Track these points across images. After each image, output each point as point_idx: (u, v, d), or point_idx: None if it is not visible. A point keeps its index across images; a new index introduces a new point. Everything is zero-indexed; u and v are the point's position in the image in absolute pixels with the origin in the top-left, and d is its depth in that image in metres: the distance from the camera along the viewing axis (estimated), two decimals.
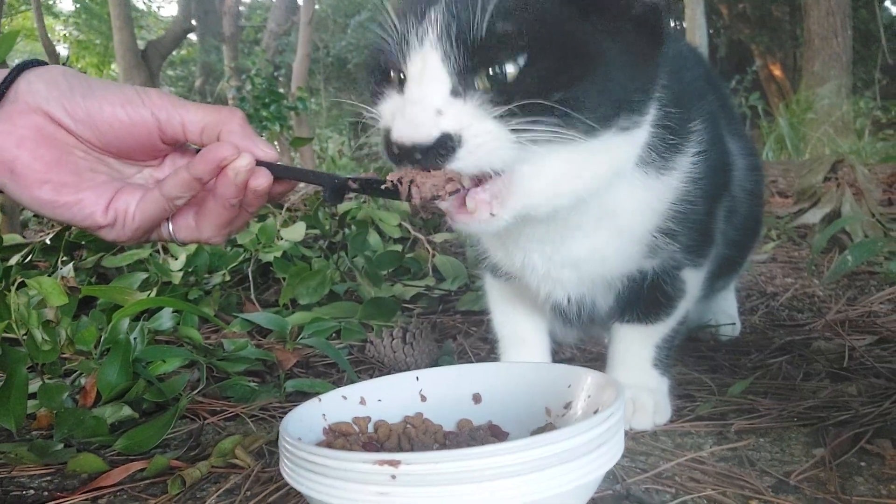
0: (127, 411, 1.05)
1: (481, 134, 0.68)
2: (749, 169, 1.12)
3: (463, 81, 0.69)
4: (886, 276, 1.62)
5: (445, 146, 0.67)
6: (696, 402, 1.05)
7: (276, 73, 8.62)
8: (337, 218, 2.24)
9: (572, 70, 0.69)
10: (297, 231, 1.97)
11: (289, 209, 2.26)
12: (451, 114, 0.67)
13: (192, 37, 11.49)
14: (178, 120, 0.76)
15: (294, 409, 0.73)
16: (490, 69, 0.68)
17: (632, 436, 0.94)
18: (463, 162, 0.68)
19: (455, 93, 0.68)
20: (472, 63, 0.68)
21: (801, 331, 1.39)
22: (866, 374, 1.14)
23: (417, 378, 0.83)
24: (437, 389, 0.82)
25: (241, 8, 12.59)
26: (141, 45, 7.88)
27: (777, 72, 10.84)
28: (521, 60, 0.68)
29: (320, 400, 0.77)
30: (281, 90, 7.35)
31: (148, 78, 7.20)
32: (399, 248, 2.04)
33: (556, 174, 0.73)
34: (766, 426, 0.96)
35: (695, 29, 7.08)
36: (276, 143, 2.73)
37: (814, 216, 1.99)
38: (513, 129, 0.68)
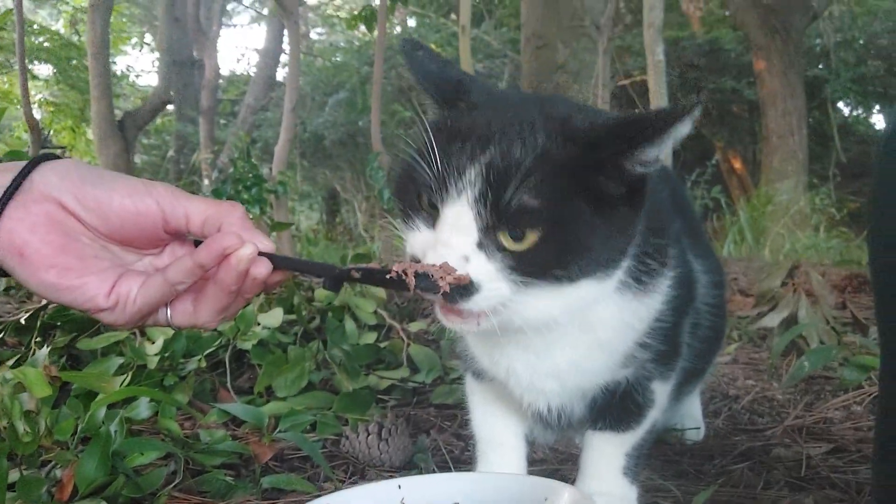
0: None
1: (495, 290, 0.80)
2: (711, 285, 1.20)
3: (487, 237, 0.80)
4: (841, 382, 1.69)
5: (467, 289, 0.78)
6: None
7: (249, 153, 8.75)
8: (313, 303, 2.27)
9: (574, 246, 0.81)
10: (275, 317, 2.00)
11: (265, 293, 2.29)
12: (475, 264, 0.79)
13: (169, 106, 11.62)
14: (181, 211, 0.81)
15: None
16: (511, 233, 0.79)
17: None
18: (475, 305, 0.79)
19: (480, 245, 0.79)
20: (498, 225, 0.79)
21: (761, 436, 1.44)
22: (822, 485, 1.20)
23: (399, 486, 0.86)
24: (418, 498, 0.85)
25: (220, 81, 12.81)
26: (118, 113, 7.96)
27: (738, 165, 11.28)
28: (538, 232, 0.79)
29: None
30: (255, 162, 7.44)
31: (123, 148, 7.23)
32: (374, 335, 2.08)
33: (539, 305, 0.83)
34: None
35: None
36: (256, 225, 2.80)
37: (772, 320, 2.09)
38: (518, 281, 0.80)
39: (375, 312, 2.22)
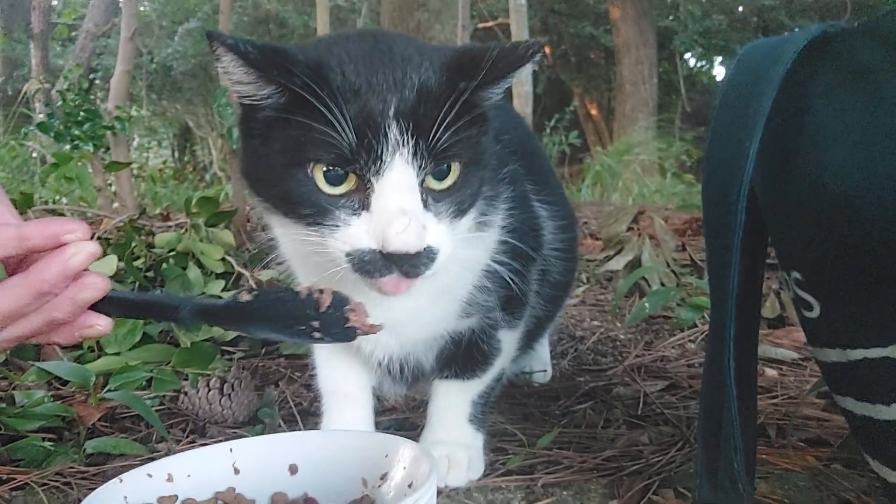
0: None
1: (449, 245, 0.78)
2: (560, 230, 1.20)
3: (423, 189, 0.76)
4: (677, 322, 1.79)
5: (430, 255, 0.75)
6: (508, 455, 1.10)
7: (92, 77, 8.03)
8: (154, 249, 2.12)
9: (481, 168, 0.83)
10: (109, 265, 1.84)
11: (100, 238, 2.10)
12: (430, 227, 0.76)
13: None
14: None
15: (91, 494, 0.68)
16: (436, 174, 0.77)
17: (447, 493, 0.97)
18: (436, 268, 0.76)
19: (425, 204, 0.76)
20: (430, 172, 0.76)
21: (603, 376, 1.50)
22: (657, 421, 1.26)
23: (231, 449, 0.81)
24: (252, 461, 0.80)
25: (53, 2, 11.58)
26: None
27: (594, 111, 11.69)
28: (461, 163, 0.78)
29: (121, 480, 0.72)
30: (98, 97, 6.84)
31: None
32: (222, 283, 1.97)
33: (450, 244, 0.81)
34: (568, 479, 1.02)
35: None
36: (89, 165, 2.53)
37: (618, 263, 2.17)
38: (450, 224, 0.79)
39: (224, 259, 2.11)
